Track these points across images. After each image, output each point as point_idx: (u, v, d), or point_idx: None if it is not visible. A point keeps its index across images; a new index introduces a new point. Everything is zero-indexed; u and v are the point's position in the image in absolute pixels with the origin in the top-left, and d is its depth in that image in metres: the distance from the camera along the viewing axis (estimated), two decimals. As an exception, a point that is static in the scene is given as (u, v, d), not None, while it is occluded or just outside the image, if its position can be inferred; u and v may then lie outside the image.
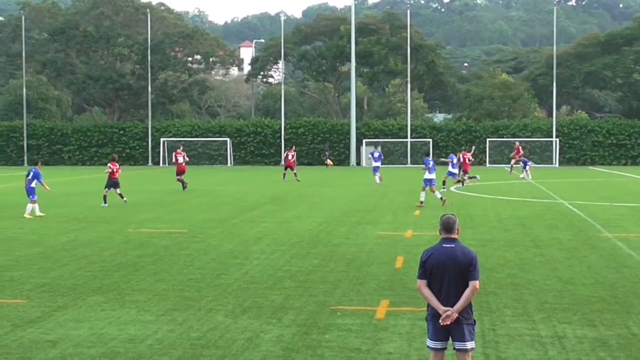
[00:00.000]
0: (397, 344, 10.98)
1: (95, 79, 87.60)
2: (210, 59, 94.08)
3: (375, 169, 44.59)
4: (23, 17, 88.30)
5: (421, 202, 30.93)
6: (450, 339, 8.35)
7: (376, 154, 45.65)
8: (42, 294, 14.12)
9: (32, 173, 27.95)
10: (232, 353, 10.52)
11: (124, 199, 31.44)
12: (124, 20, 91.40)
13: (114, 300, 13.60)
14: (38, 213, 27.25)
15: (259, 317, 12.40)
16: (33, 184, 27.54)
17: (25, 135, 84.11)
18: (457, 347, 8.32)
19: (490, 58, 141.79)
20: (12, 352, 10.50)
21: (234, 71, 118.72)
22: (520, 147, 54.42)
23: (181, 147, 44.60)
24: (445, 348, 8.41)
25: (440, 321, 8.17)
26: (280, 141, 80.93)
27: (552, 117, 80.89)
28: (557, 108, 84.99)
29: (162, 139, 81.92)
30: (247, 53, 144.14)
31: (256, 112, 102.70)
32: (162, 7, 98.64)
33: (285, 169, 49.70)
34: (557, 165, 75.81)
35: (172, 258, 18.25)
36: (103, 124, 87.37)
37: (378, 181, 43.58)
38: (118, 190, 31.70)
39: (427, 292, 8.31)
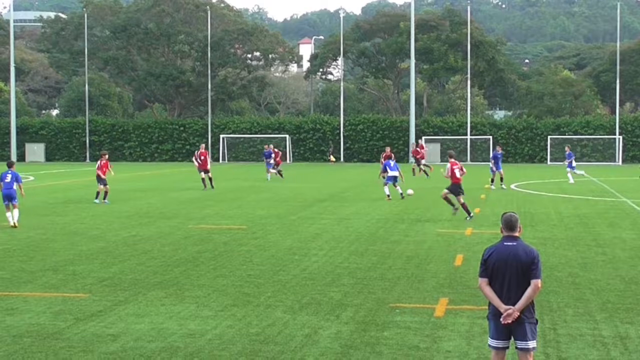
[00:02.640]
0: (456, 342, 10.89)
1: (156, 76, 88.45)
2: (270, 56, 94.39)
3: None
4: (86, 15, 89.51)
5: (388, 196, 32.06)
6: (512, 338, 8.27)
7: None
8: (104, 288, 14.29)
9: (10, 175, 24.51)
10: (291, 349, 10.53)
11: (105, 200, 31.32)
12: (184, 18, 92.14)
13: (174, 296, 13.71)
14: (14, 221, 23.71)
15: (317, 314, 12.39)
16: (14, 187, 24.30)
17: (87, 131, 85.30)
18: (519, 347, 8.23)
19: (552, 54, 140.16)
20: (75, 345, 10.64)
21: (293, 68, 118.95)
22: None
23: (203, 147, 42.87)
24: (507, 347, 8.33)
25: (501, 320, 8.09)
26: (340, 138, 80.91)
27: (615, 114, 79.63)
28: (621, 105, 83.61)
29: (221, 136, 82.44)
30: (306, 50, 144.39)
31: (315, 108, 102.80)
32: (222, 5, 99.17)
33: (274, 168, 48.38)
34: (620, 163, 74.58)
35: (232, 254, 18.35)
36: (163, 121, 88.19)
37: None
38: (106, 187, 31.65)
39: (489, 291, 8.23)
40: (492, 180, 38.79)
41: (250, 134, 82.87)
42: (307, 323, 11.84)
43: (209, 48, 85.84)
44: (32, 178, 48.30)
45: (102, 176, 31.73)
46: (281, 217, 26.19)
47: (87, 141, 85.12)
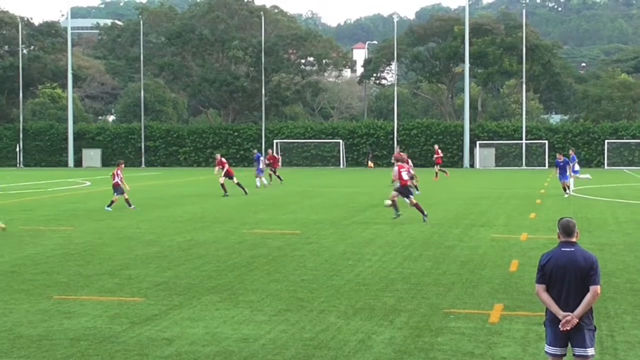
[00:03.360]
0: (512, 348, 10.77)
1: (210, 82, 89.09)
2: (323, 61, 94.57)
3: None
4: (141, 22, 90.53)
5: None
6: (569, 345, 8.15)
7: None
8: (159, 293, 14.40)
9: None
10: (344, 354, 10.50)
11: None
12: (238, 24, 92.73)
13: (228, 300, 13.76)
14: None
15: (371, 319, 12.35)
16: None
17: (142, 137, 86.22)
18: (577, 354, 8.10)
19: (609, 57, 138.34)
20: (130, 349, 10.73)
21: (347, 73, 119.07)
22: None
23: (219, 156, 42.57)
24: (564, 354, 8.20)
25: (559, 326, 7.97)
26: (393, 142, 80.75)
27: (674, 117, 78.40)
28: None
29: (275, 141, 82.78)
30: (359, 55, 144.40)
31: (369, 113, 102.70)
32: (276, 10, 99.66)
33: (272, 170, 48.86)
34: (679, 167, 73.33)
35: (285, 259, 18.37)
36: (218, 126, 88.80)
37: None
38: (125, 195, 31.54)
39: (546, 297, 8.11)
40: (565, 188, 36.18)
41: (304, 138, 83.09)
42: (361, 328, 11.81)
43: (262, 53, 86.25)
44: (88, 183, 48.94)
45: (119, 185, 31.49)
46: (335, 222, 26.18)
47: (143, 146, 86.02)
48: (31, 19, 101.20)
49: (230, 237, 22.39)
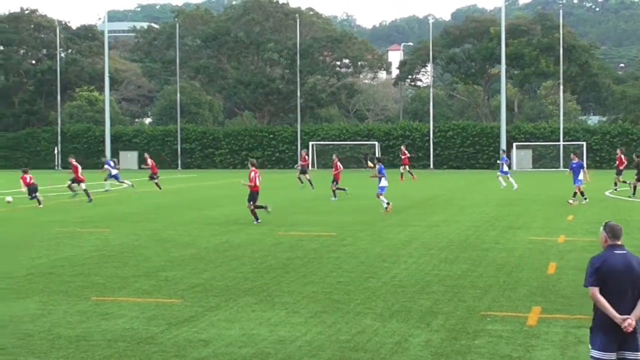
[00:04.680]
0: (550, 351, 10.68)
1: (245, 84, 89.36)
2: (359, 63, 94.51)
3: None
4: (177, 25, 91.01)
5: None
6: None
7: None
8: (196, 294, 14.45)
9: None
10: (381, 357, 10.47)
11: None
12: (273, 26, 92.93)
13: (264, 302, 13.78)
14: None
15: (407, 321, 12.30)
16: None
17: (179, 139, 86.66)
18: (629, 357, 7.96)
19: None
20: (168, 350, 10.77)
21: (382, 75, 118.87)
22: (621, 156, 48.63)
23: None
24: None
25: (624, 328, 7.82)
26: (429, 144, 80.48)
27: None
28: None
29: (310, 143, 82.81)
30: (395, 56, 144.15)
31: (404, 115, 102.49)
32: (311, 12, 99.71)
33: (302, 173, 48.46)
34: None
35: (321, 261, 18.37)
36: (253, 128, 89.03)
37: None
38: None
39: (603, 300, 7.96)
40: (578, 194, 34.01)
41: (340, 140, 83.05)
42: (397, 331, 11.76)
43: (298, 56, 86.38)
44: (125, 185, 49.24)
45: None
46: (370, 223, 26.13)
47: (179, 149, 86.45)
48: (69, 22, 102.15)
49: (265, 239, 22.42)
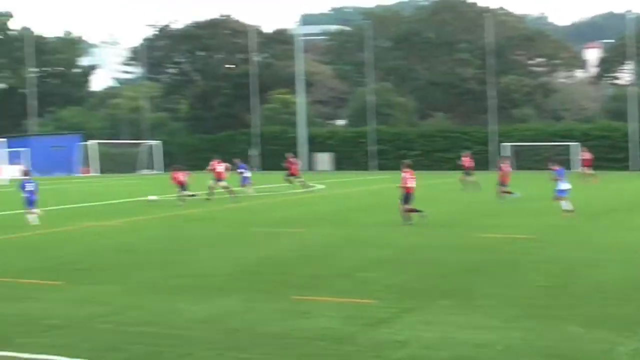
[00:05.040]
0: None
1: (437, 85, 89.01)
2: (554, 62, 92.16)
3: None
4: (369, 27, 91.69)
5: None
6: None
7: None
8: (391, 295, 14.44)
9: (30, 184, 28.44)
10: (586, 365, 10.11)
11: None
12: (465, 26, 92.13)
13: (461, 305, 13.60)
14: (34, 223, 27.61)
15: (613, 329, 11.78)
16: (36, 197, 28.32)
17: (372, 140, 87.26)
18: None
19: None
20: (365, 350, 10.81)
21: (579, 73, 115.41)
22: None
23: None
24: None
25: None
26: (631, 145, 77.35)
27: None
28: None
29: (504, 144, 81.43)
30: (592, 54, 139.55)
31: (604, 114, 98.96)
32: (503, 11, 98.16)
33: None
34: None
35: (519, 264, 17.96)
36: (446, 129, 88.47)
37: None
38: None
39: None
40: None
41: (535, 141, 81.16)
42: (603, 338, 11.30)
43: (490, 55, 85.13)
44: (320, 186, 50.10)
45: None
46: (570, 226, 25.37)
47: (373, 150, 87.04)
48: (263, 27, 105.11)
49: (461, 240, 22.18)
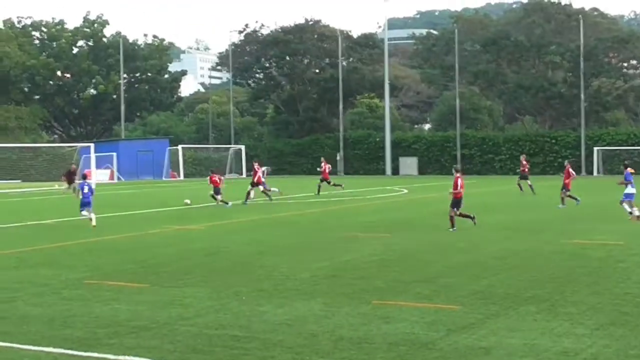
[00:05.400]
0: None
1: (526, 88, 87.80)
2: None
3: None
4: (456, 31, 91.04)
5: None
6: None
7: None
8: (475, 301, 14.27)
9: (86, 187, 29.74)
10: (675, 375, 9.81)
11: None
12: (555, 28, 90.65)
13: (546, 311, 13.36)
14: (93, 224, 28.78)
15: None
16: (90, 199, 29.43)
17: (458, 145, 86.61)
18: None
19: None
20: (448, 356, 10.69)
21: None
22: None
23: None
24: None
25: None
26: None
27: None
28: None
29: (595, 148, 79.89)
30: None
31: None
32: (595, 12, 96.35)
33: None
34: None
35: (607, 270, 17.57)
36: (534, 133, 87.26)
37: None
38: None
39: None
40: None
41: (627, 145, 79.38)
42: (693, 348, 10.97)
43: (581, 58, 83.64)
44: (405, 191, 49.92)
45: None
46: (661, 232, 24.72)
47: (459, 155, 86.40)
48: (350, 32, 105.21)
49: (547, 246, 21.82)
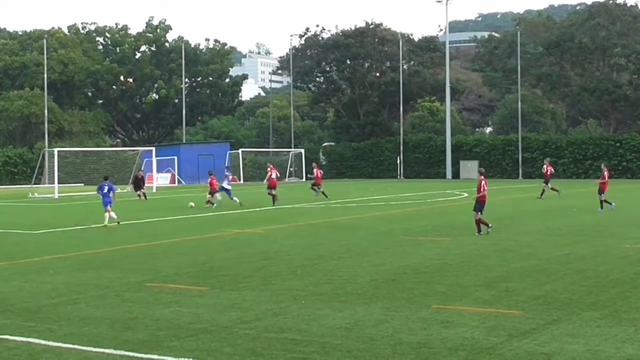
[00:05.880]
0: None
1: (590, 91, 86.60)
2: None
3: None
4: (518, 33, 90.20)
5: None
6: None
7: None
8: (537, 306, 14.09)
9: (106, 187, 31.78)
10: None
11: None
12: (620, 30, 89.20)
13: (609, 317, 13.14)
14: (105, 223, 31.07)
15: None
16: (111, 195, 31.71)
17: (520, 148, 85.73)
18: None
19: None
20: (508, 363, 10.60)
21: None
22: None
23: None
24: None
25: None
26: None
27: None
28: None
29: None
30: None
31: None
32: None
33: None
34: None
35: (673, 276, 17.24)
36: (598, 137, 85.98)
37: None
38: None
39: None
40: None
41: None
42: None
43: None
44: (465, 195, 49.54)
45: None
46: None
47: (520, 158, 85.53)
48: (411, 35, 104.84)
49: (611, 251, 21.47)
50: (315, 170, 47.66)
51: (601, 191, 35.45)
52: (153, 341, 11.82)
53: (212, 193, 41.81)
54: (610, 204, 35.28)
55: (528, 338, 11.80)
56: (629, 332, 12.11)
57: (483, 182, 26.54)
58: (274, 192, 42.64)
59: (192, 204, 41.17)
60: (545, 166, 45.35)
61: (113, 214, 31.43)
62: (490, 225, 26.30)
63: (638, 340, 11.60)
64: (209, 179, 42.73)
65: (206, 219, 34.62)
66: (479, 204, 26.22)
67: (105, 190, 31.64)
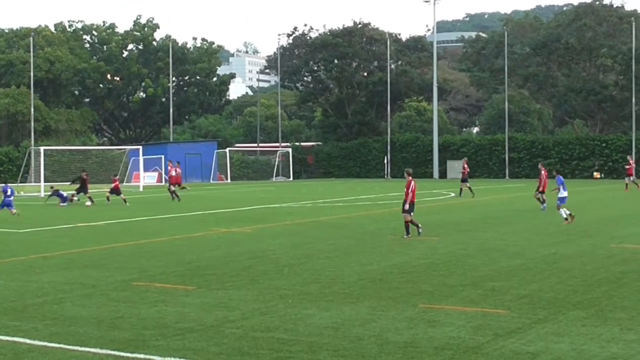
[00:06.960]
0: None
1: (576, 91, 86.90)
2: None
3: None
4: (506, 33, 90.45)
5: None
6: None
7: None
8: (523, 306, 14.14)
9: (9, 189, 35.26)
10: None
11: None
12: (607, 31, 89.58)
13: (595, 316, 13.20)
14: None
15: None
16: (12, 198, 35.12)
17: (507, 148, 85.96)
18: None
19: None
20: (494, 362, 10.63)
21: None
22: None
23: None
24: None
25: None
26: None
27: None
28: None
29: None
30: None
31: None
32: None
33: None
34: None
35: (658, 276, 17.32)
36: (584, 137, 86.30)
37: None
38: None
39: None
40: None
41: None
42: None
43: (633, 61, 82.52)
44: (452, 194, 49.65)
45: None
46: None
47: (507, 158, 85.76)
48: (399, 35, 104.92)
49: (597, 251, 21.56)
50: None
51: (540, 190, 35.84)
52: (139, 340, 11.80)
53: (113, 192, 43.88)
54: (542, 202, 35.62)
55: (514, 337, 11.84)
56: (614, 331, 12.16)
57: (412, 184, 26.22)
58: (173, 188, 44.74)
59: (88, 203, 42.15)
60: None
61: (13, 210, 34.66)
62: (420, 226, 25.93)
63: (623, 339, 11.65)
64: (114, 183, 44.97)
65: (194, 218, 34.58)
66: (410, 205, 25.77)
67: (9, 192, 34.91)
